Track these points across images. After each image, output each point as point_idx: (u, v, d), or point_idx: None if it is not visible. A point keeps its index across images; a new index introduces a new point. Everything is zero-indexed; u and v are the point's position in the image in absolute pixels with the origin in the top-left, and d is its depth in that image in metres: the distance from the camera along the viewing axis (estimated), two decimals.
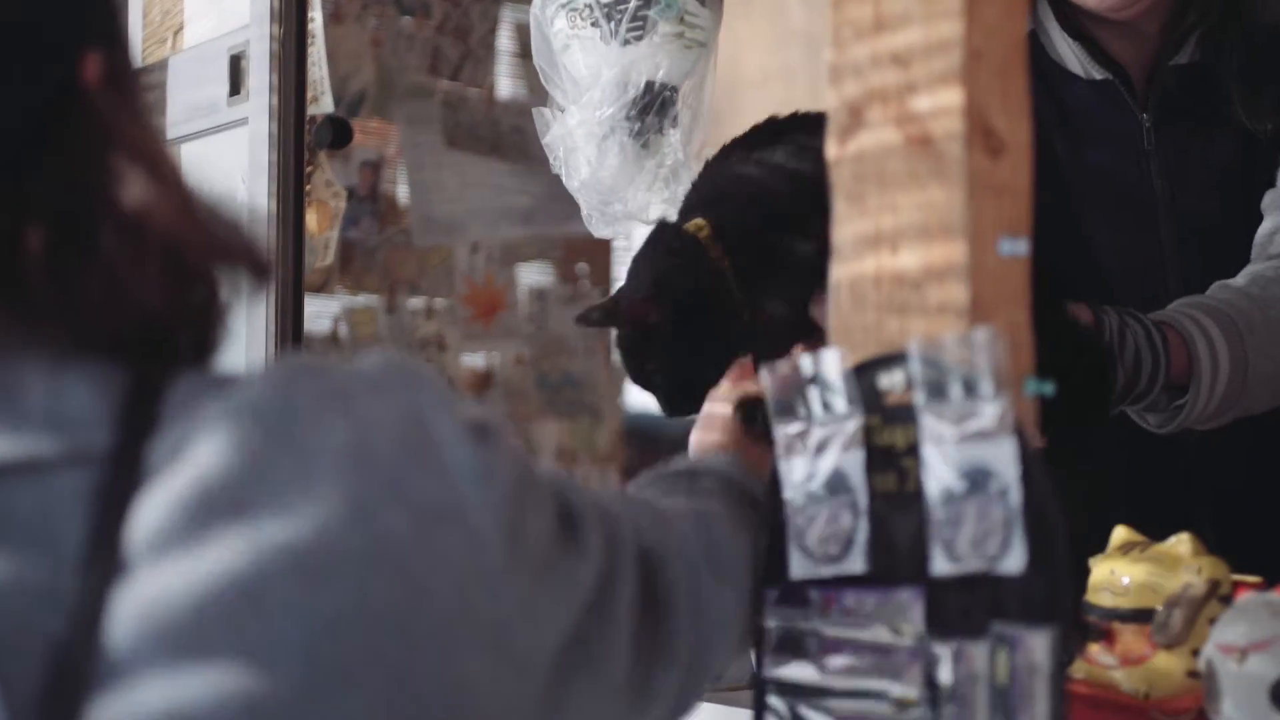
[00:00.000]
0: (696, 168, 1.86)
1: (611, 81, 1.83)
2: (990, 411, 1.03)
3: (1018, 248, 1.04)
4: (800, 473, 1.15)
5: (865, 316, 1.11)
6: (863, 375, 1.10)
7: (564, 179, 1.96)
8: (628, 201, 1.91)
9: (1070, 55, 1.96)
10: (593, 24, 1.84)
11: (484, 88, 3.37)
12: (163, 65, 2.77)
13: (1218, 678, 1.23)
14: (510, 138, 3.29)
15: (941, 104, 1.04)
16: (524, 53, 3.24)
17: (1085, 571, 1.39)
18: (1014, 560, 1.02)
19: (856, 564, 1.12)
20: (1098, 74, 1.95)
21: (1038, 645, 1.02)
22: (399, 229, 3.24)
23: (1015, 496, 1.02)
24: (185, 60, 2.75)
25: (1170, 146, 1.91)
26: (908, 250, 1.07)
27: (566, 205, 2.11)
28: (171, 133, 2.72)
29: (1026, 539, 1.02)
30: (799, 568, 1.15)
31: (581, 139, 1.88)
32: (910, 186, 1.07)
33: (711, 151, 1.61)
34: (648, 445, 4.48)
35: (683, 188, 1.88)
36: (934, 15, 1.04)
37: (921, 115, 1.05)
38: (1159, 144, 1.92)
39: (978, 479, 1.04)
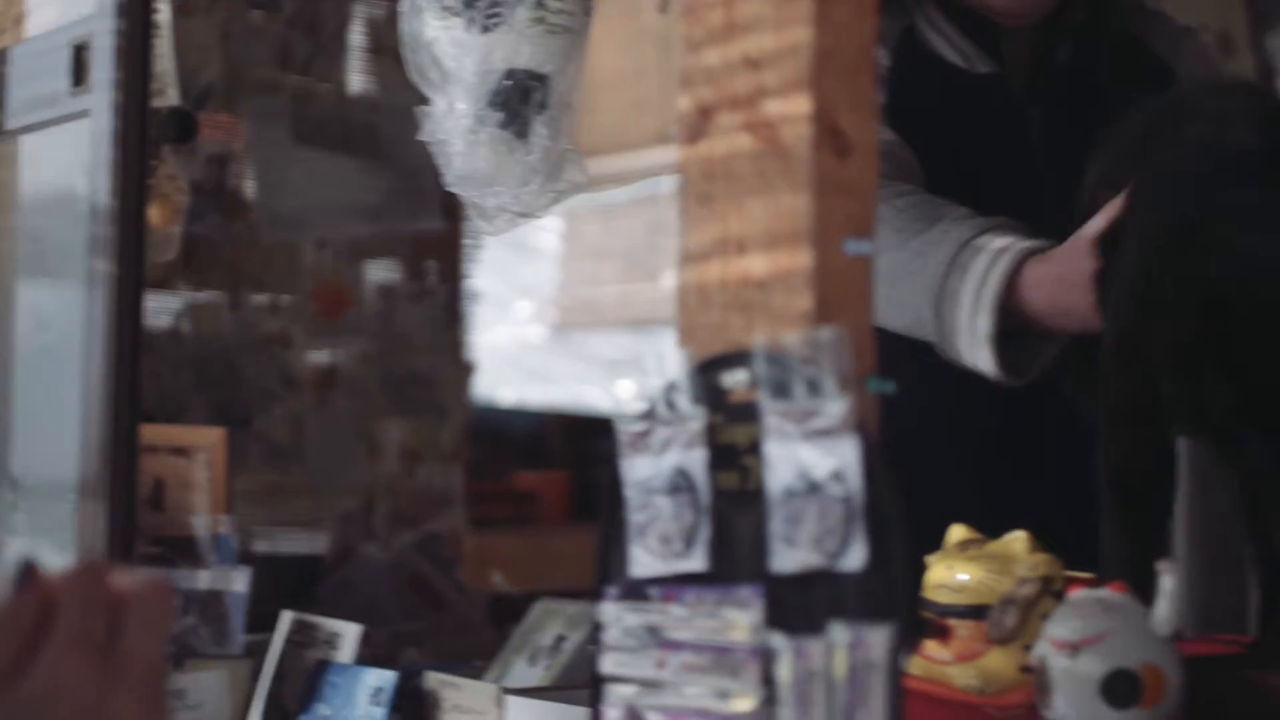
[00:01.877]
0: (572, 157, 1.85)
1: (472, 70, 1.80)
2: (833, 410, 1.04)
3: (863, 248, 1.05)
4: (643, 471, 1.15)
5: (711, 316, 1.11)
6: (707, 374, 1.11)
7: (443, 174, 1.93)
8: (503, 195, 1.88)
9: (951, 49, 2.00)
10: (455, 13, 1.82)
11: (334, 83, 3.34)
12: (2, 55, 2.71)
13: (1050, 673, 1.25)
14: (360, 133, 3.26)
15: (791, 107, 1.05)
16: (376, 48, 3.21)
17: (923, 569, 1.41)
18: (854, 558, 1.04)
19: (698, 561, 1.12)
20: (983, 67, 1.98)
21: (875, 642, 1.03)
22: (245, 224, 3.20)
23: (856, 495, 1.03)
24: (26, 50, 2.69)
25: (1057, 139, 1.94)
26: (755, 251, 1.08)
27: (415, 202, 2.09)
28: (11, 124, 2.66)
29: (866, 537, 1.03)
30: (640, 565, 1.15)
31: (452, 131, 1.85)
32: (759, 189, 1.08)
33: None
34: (494, 443, 4.47)
35: (558, 178, 1.87)
36: (785, 20, 1.05)
37: (771, 119, 1.06)
38: (1046, 137, 1.96)
39: (819, 477, 1.05)
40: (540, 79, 1.82)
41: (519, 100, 1.82)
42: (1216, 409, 1.45)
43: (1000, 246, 1.72)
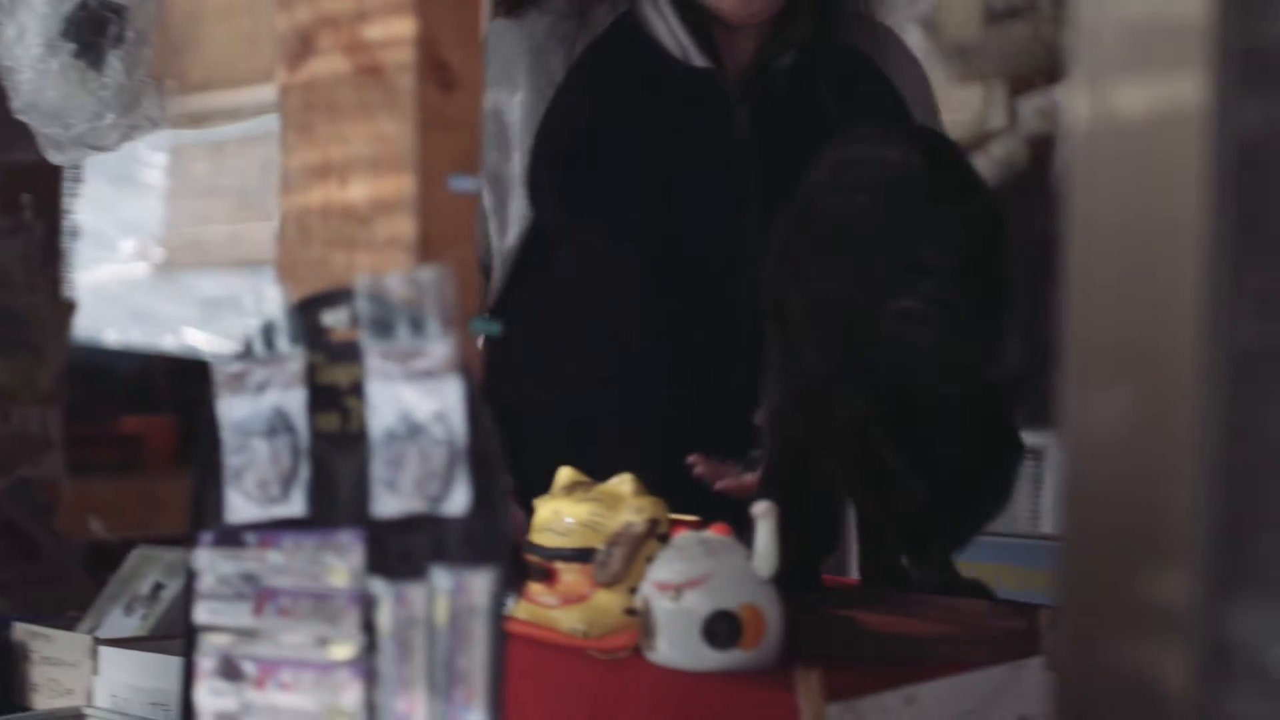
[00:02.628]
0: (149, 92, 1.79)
1: None
2: (437, 351, 1.02)
3: (467, 185, 1.03)
4: (240, 412, 1.11)
5: (311, 251, 1.07)
6: (306, 312, 1.07)
7: (11, 101, 1.85)
8: (77, 126, 1.80)
9: (671, 39, 1.99)
10: None
11: None
12: None
13: (653, 615, 1.25)
14: None
15: (393, 34, 1.01)
16: None
17: (530, 512, 1.40)
18: (457, 501, 1.01)
19: (297, 506, 1.09)
20: (698, 61, 1.98)
21: (478, 587, 1.01)
22: None
23: (460, 438, 1.01)
24: None
25: (763, 139, 1.96)
26: (356, 183, 1.04)
27: (7, 131, 1.98)
28: None
29: (469, 480, 1.01)
30: (236, 510, 1.11)
31: (21, 58, 1.77)
32: (360, 118, 1.04)
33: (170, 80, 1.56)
34: (96, 385, 4.30)
35: (134, 113, 1.80)
36: None
37: (372, 44, 1.02)
38: (753, 135, 1.97)
39: (422, 420, 1.02)
40: (117, 10, 1.75)
41: (93, 31, 1.74)
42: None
43: None
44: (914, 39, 4.63)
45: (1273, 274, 0.69)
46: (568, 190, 1.96)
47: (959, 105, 4.86)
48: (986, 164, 4.95)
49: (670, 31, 1.98)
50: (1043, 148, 5.04)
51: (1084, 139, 0.73)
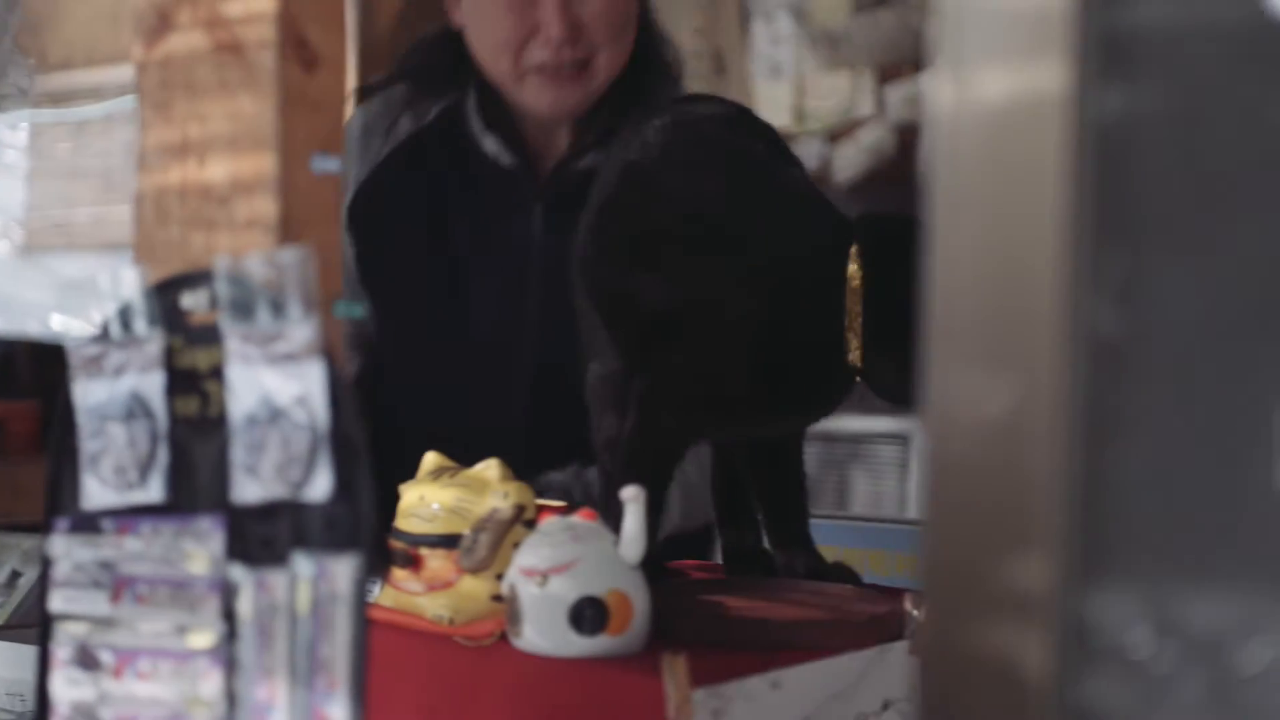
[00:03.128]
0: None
1: None
2: (299, 334, 1.00)
3: (330, 165, 1.01)
4: (97, 396, 1.08)
5: (169, 231, 1.05)
6: (165, 294, 1.05)
7: None
8: None
9: (485, 136, 2.03)
10: None
11: None
12: None
13: (520, 601, 1.25)
14: None
15: (253, 10, 0.99)
16: None
17: (395, 497, 1.38)
18: (319, 487, 1.00)
19: (155, 492, 1.06)
20: (505, 160, 2.02)
21: (340, 573, 1.00)
22: None
23: (322, 422, 1.00)
24: None
25: (556, 236, 1.98)
26: (216, 163, 1.02)
27: None
28: None
29: (331, 466, 0.99)
30: (93, 497, 1.09)
31: None
32: (220, 96, 1.02)
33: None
34: None
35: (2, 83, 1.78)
36: None
37: (231, 21, 1.00)
38: (545, 232, 1.99)
39: (283, 404, 1.01)
40: None
41: None
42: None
43: None
44: (783, 27, 4.66)
45: (1133, 259, 0.69)
46: (363, 266, 2.05)
47: (827, 93, 4.89)
48: (855, 151, 4.98)
49: (485, 130, 2.01)
50: (910, 135, 5.08)
51: (946, 126, 0.73)
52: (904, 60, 4.92)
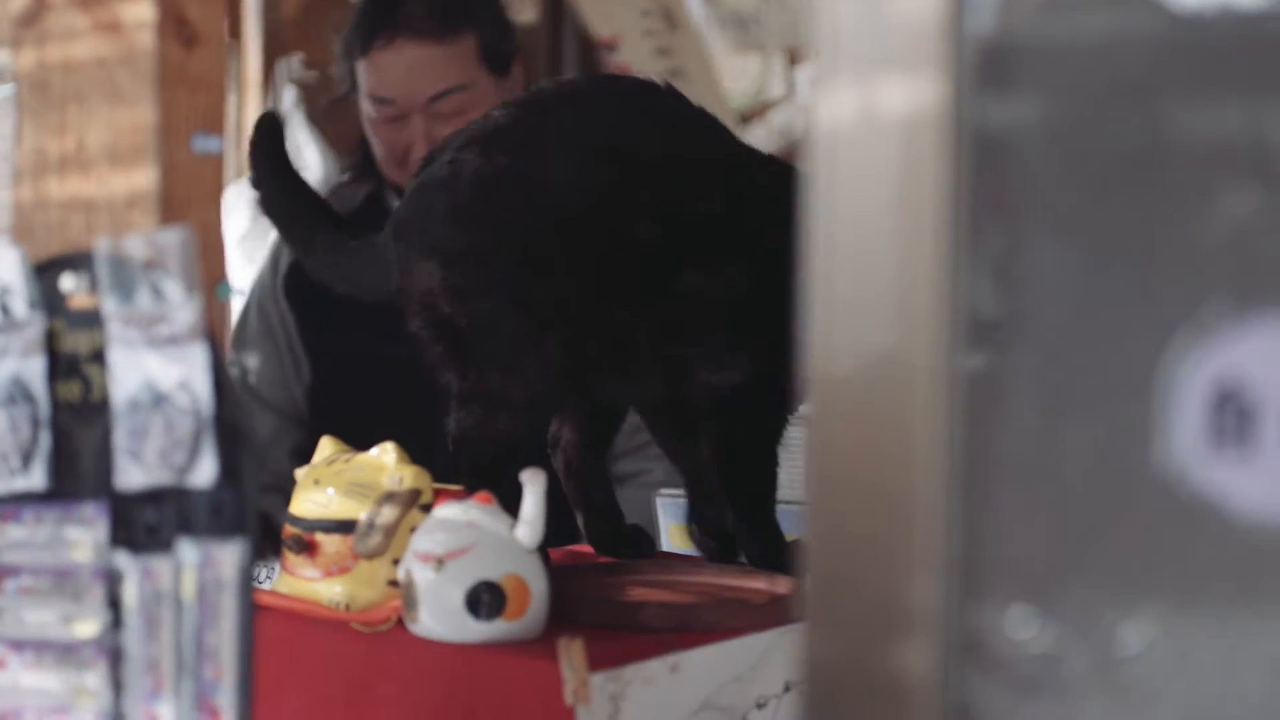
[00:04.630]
0: None
1: None
2: (181, 317, 0.98)
3: (211, 145, 0.99)
4: None
5: (49, 214, 1.03)
6: (44, 276, 1.02)
7: None
8: None
9: None
10: None
11: None
12: None
13: (416, 586, 1.23)
14: None
15: None
16: None
17: (291, 482, 1.37)
18: (204, 473, 0.98)
19: (37, 478, 1.04)
20: None
21: (226, 559, 0.98)
22: None
23: (206, 406, 0.98)
24: None
25: None
26: (95, 146, 1.00)
27: None
28: None
29: (216, 450, 0.98)
30: None
31: None
32: (98, 78, 1.00)
33: None
34: None
35: None
36: None
37: (111, 1, 0.98)
38: None
39: (166, 388, 0.99)
40: None
41: None
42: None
43: None
44: (694, 8, 4.65)
45: (1008, 250, 0.69)
46: (303, 332, 2.23)
47: (738, 74, 4.89)
48: (766, 133, 4.98)
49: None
50: None
51: (824, 131, 0.73)
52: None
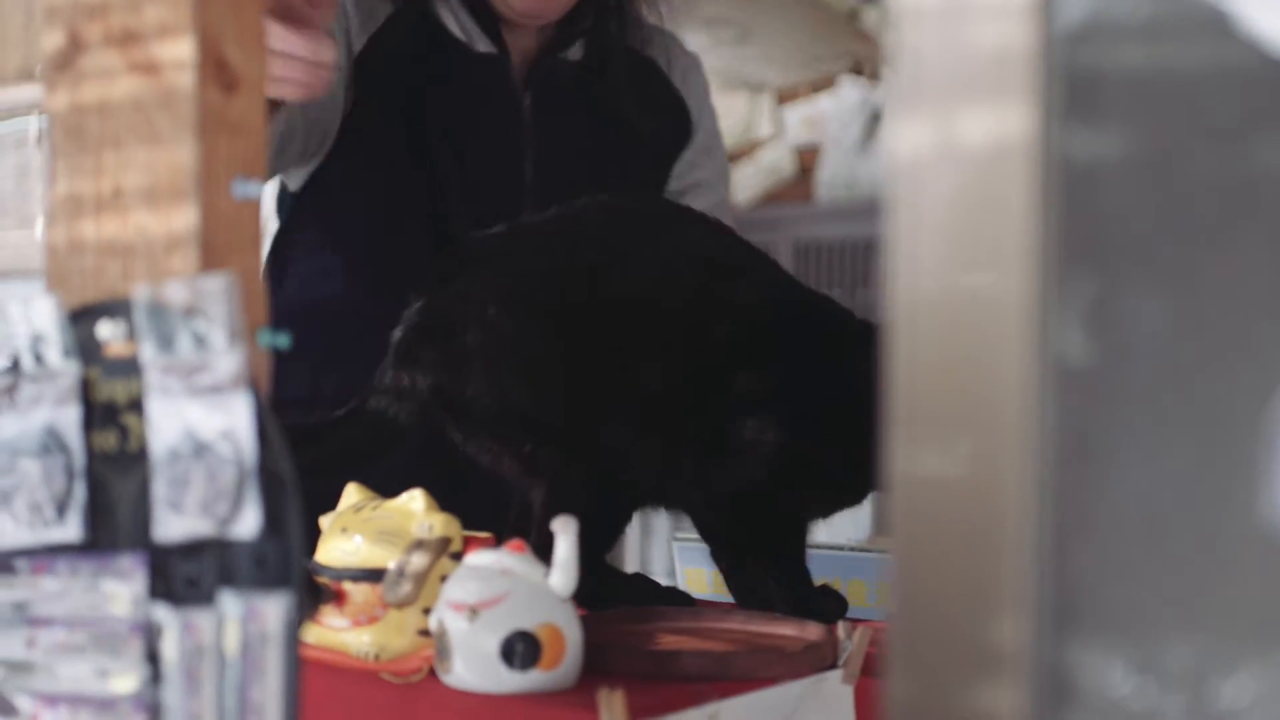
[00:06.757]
0: None
1: None
2: (222, 365, 0.96)
3: (251, 190, 0.98)
4: (8, 431, 1.04)
5: (84, 260, 1.01)
6: (80, 324, 1.01)
7: None
8: None
9: (455, 24, 2.04)
10: None
11: None
12: None
13: (448, 636, 1.21)
14: None
15: (170, 32, 0.96)
16: None
17: (317, 531, 1.35)
18: (247, 523, 0.96)
19: (72, 530, 1.02)
20: (482, 46, 2.00)
21: (270, 612, 0.96)
22: None
23: (249, 456, 0.96)
24: None
25: (545, 128, 2.00)
26: (133, 191, 0.98)
27: None
28: None
29: (259, 501, 0.96)
30: (6, 535, 1.04)
31: None
32: (137, 123, 0.98)
33: None
34: None
35: None
36: None
37: (148, 43, 0.97)
38: (535, 123, 2.00)
39: (207, 438, 0.97)
40: None
41: None
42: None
43: None
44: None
45: (1102, 296, 0.67)
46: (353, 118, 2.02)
47: (726, 113, 4.88)
48: (754, 171, 4.98)
49: (455, 17, 2.04)
50: (809, 156, 5.09)
51: (906, 166, 0.71)
52: (802, 82, 4.93)
